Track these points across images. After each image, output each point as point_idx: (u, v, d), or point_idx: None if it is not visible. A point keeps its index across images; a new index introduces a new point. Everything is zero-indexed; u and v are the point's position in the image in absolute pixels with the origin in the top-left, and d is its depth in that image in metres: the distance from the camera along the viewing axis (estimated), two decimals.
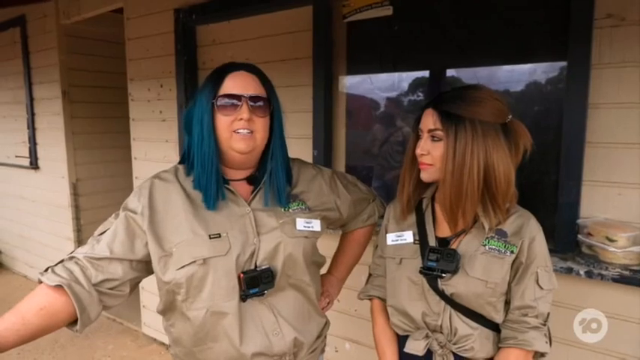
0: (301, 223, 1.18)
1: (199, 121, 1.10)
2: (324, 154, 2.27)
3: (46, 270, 1.05)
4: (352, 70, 2.29)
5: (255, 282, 1.08)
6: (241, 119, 1.07)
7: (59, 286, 1.00)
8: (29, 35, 4.05)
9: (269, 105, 1.14)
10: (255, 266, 1.11)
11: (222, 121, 1.09)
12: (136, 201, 1.13)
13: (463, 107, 1.08)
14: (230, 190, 1.14)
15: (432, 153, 1.12)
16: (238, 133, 1.08)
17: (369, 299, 1.36)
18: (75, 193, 3.93)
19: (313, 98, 2.26)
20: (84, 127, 3.97)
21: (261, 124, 1.11)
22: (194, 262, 1.06)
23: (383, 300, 1.31)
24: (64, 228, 4.02)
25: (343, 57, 2.28)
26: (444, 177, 1.10)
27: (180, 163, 1.23)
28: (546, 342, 1.09)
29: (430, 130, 1.12)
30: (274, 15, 2.38)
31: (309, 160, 2.30)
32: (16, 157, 4.48)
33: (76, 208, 3.95)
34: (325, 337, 1.33)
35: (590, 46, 1.55)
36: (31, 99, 4.15)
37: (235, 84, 1.10)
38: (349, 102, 2.31)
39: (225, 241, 1.09)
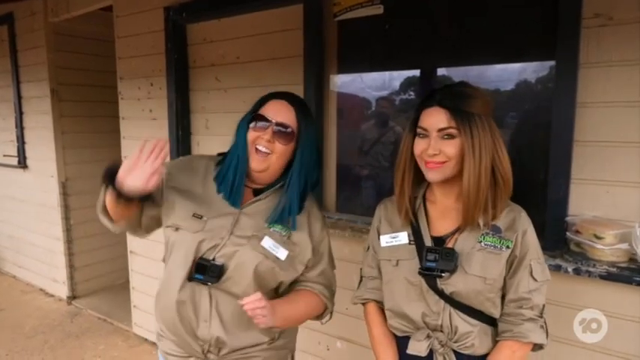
0: (268, 243, 1.25)
1: (239, 129, 1.29)
2: None
3: None
4: (343, 69, 2.29)
5: (202, 270, 1.21)
6: (263, 138, 1.23)
7: None
8: (17, 33, 4.00)
9: (295, 136, 1.27)
10: (214, 258, 1.22)
11: (250, 135, 1.26)
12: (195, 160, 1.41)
13: (471, 103, 1.09)
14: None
15: (444, 151, 1.10)
16: (258, 151, 1.24)
17: (364, 303, 1.34)
18: (64, 193, 3.89)
19: (304, 97, 2.26)
20: (73, 125, 3.93)
21: (280, 150, 1.25)
22: (171, 226, 1.27)
23: (378, 302, 1.29)
24: (53, 228, 3.98)
25: (334, 56, 2.28)
26: (465, 175, 1.08)
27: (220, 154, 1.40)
28: (543, 333, 1.11)
29: (442, 129, 1.10)
30: (265, 13, 2.38)
31: None
32: (4, 156, 4.43)
33: (66, 208, 3.91)
34: (276, 349, 1.34)
35: (577, 45, 1.56)
36: (19, 97, 4.10)
37: (272, 109, 1.26)
38: (340, 101, 2.31)
39: (201, 223, 1.24)
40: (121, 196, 1.11)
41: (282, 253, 1.25)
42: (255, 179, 1.30)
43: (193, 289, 1.23)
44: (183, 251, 1.24)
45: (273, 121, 1.23)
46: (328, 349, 2.31)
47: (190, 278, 1.22)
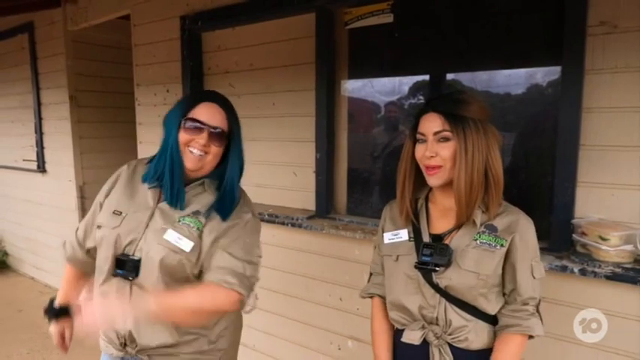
0: (172, 236, 1.26)
1: (169, 130, 1.31)
2: (326, 157, 2.33)
3: None
4: (354, 75, 2.35)
5: (121, 265, 1.27)
6: (198, 142, 1.27)
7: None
8: (37, 41, 4.13)
9: (226, 137, 1.33)
10: (133, 253, 1.27)
11: (182, 138, 1.28)
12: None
13: (464, 108, 1.17)
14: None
15: (440, 154, 1.18)
16: (192, 153, 1.28)
17: (370, 297, 1.42)
18: (82, 196, 4.00)
19: (316, 102, 2.32)
20: (91, 131, 4.05)
21: (215, 151, 1.31)
22: (97, 226, 1.34)
23: (383, 297, 1.37)
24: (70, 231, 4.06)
25: (345, 62, 2.34)
26: (457, 175, 1.16)
27: None
28: (542, 326, 1.18)
29: (437, 133, 1.18)
30: (278, 22, 2.45)
31: (312, 162, 2.36)
32: (24, 160, 4.55)
33: (83, 211, 4.00)
34: (202, 354, 1.34)
35: (583, 52, 1.61)
36: (39, 104, 4.23)
37: (205, 112, 1.29)
38: (351, 105, 2.37)
39: (119, 219, 1.30)
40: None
41: (186, 245, 1.25)
42: (187, 176, 1.34)
43: (119, 283, 1.28)
44: (105, 247, 1.30)
45: (208, 124, 1.27)
46: (339, 349, 2.36)
47: (114, 274, 1.28)
